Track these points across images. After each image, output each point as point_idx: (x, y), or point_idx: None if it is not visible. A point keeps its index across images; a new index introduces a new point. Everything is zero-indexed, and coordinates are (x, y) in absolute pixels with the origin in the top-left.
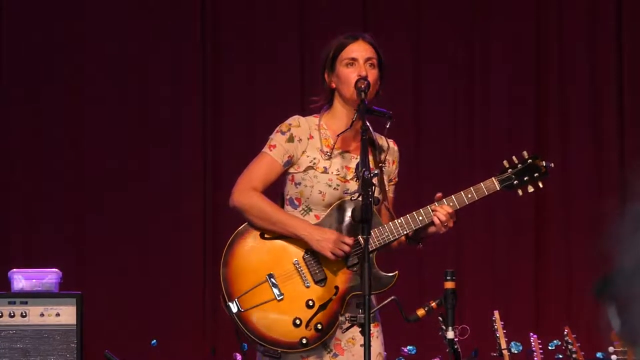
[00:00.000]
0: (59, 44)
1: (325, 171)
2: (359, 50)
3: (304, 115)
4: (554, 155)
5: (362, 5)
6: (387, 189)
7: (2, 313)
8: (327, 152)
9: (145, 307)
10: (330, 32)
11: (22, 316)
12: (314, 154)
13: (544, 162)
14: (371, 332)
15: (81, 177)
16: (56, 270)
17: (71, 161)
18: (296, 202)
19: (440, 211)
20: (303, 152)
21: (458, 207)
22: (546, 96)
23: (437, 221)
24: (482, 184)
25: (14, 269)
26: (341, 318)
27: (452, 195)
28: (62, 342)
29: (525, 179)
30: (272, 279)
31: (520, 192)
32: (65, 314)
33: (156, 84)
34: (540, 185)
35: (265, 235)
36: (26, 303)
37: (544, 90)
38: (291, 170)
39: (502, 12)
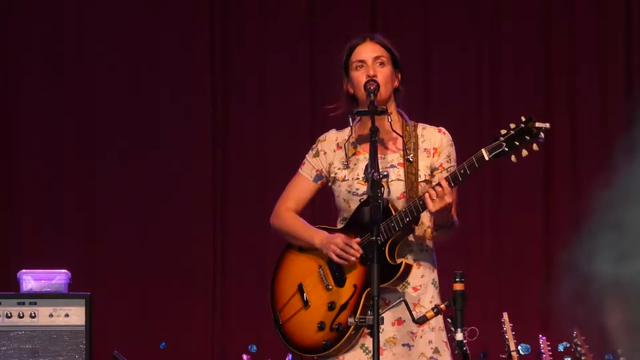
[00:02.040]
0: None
1: (344, 179)
2: (367, 51)
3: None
4: (566, 156)
5: (371, 6)
6: (423, 179)
7: (11, 314)
8: (344, 160)
9: (154, 309)
10: (339, 36)
11: (31, 317)
12: (338, 164)
13: (537, 124)
14: (414, 332)
15: (92, 178)
16: (65, 271)
17: (82, 163)
18: (338, 214)
19: (431, 191)
20: (330, 165)
21: (453, 184)
22: (554, 102)
23: (427, 199)
24: (472, 156)
25: (23, 270)
26: (350, 319)
27: (448, 175)
28: (71, 343)
29: (517, 143)
30: (301, 289)
31: (513, 158)
32: (74, 315)
33: (166, 89)
34: (535, 147)
35: (303, 249)
36: (35, 304)
37: (553, 96)
38: (329, 184)
39: (511, 10)
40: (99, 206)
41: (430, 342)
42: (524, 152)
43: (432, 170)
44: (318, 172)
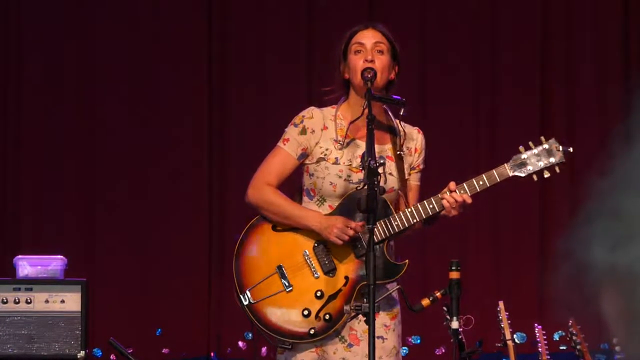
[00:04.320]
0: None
1: (336, 162)
2: (368, 37)
3: (321, 107)
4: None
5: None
6: (406, 177)
7: (7, 299)
8: (340, 141)
9: (150, 296)
10: (338, 29)
11: (27, 303)
12: (327, 144)
13: (561, 147)
14: (387, 325)
15: (90, 165)
16: (61, 257)
17: (81, 150)
18: (312, 193)
19: (448, 198)
20: (316, 144)
21: (469, 194)
22: (551, 92)
23: (446, 205)
24: (494, 170)
25: (19, 255)
26: (346, 307)
27: (464, 183)
28: (66, 329)
29: (541, 164)
30: (281, 271)
31: (535, 177)
32: (70, 301)
33: (163, 75)
34: (557, 170)
35: (277, 228)
36: (31, 289)
37: (549, 86)
38: (306, 161)
39: (508, 11)
40: (96, 192)
41: (399, 335)
42: (546, 173)
43: (410, 170)
44: (303, 150)
